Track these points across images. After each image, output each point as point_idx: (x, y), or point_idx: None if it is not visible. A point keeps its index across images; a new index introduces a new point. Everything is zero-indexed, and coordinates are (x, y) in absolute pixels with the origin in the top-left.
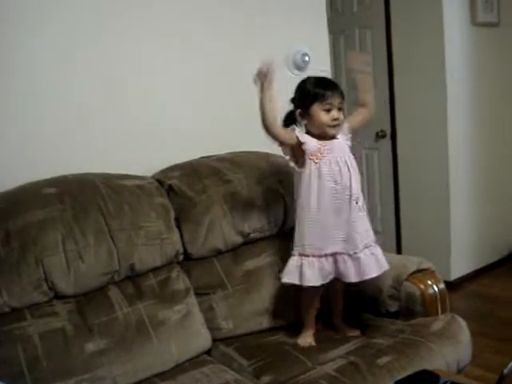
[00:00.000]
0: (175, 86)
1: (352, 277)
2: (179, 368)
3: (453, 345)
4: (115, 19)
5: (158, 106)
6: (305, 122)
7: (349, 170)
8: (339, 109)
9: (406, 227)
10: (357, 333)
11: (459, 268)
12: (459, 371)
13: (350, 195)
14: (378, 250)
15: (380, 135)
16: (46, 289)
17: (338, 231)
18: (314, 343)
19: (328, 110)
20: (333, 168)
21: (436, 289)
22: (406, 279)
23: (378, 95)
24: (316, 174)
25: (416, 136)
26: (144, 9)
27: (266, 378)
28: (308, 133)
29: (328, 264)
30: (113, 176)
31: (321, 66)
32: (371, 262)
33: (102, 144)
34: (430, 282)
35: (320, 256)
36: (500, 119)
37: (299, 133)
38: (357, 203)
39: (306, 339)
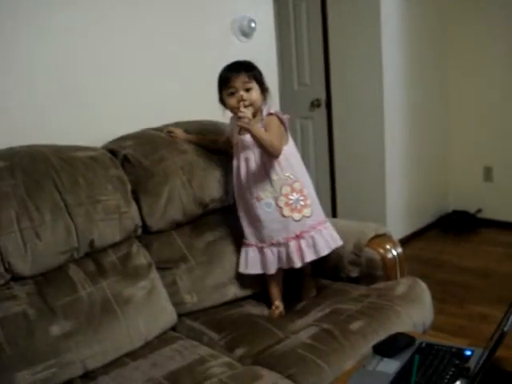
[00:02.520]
0: (122, 57)
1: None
2: (149, 346)
3: (418, 307)
4: None
5: (104, 76)
6: (226, 107)
7: (250, 166)
8: (247, 90)
9: (341, 195)
10: (313, 292)
11: (394, 233)
12: (424, 332)
13: (251, 192)
14: (293, 247)
15: (315, 104)
16: (3, 270)
17: (252, 226)
18: (283, 312)
19: (232, 93)
20: (238, 163)
21: (395, 253)
22: (366, 245)
23: (312, 65)
24: (231, 165)
25: (351, 104)
26: None
27: (239, 351)
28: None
29: (255, 254)
30: (63, 147)
31: (266, 33)
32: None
33: (48, 113)
34: (388, 247)
35: (255, 246)
36: (434, 85)
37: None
38: (259, 200)
39: (275, 311)
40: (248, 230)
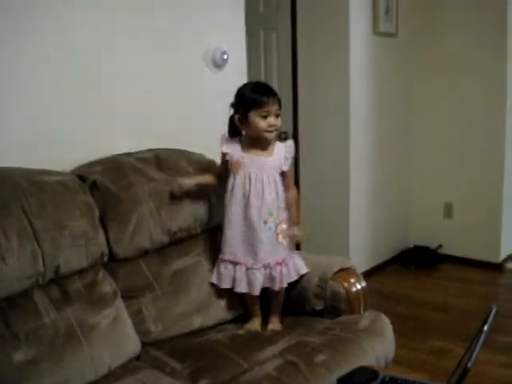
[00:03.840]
0: (93, 81)
1: (242, 288)
2: (112, 375)
3: (381, 340)
4: None
5: (73, 101)
6: (244, 126)
7: (262, 190)
8: (276, 116)
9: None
10: (278, 327)
11: (357, 266)
12: (386, 365)
13: (259, 215)
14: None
15: (282, 137)
16: None
17: (241, 243)
18: (259, 329)
19: (265, 117)
20: (245, 183)
21: (359, 287)
22: (331, 278)
23: (281, 97)
24: (231, 182)
25: (318, 139)
26: None
27: (203, 382)
28: (246, 138)
29: (226, 270)
30: (32, 171)
31: (238, 65)
32: (258, 283)
33: (15, 137)
34: (352, 281)
35: (222, 260)
36: (397, 124)
37: (225, 142)
38: (265, 224)
39: (253, 324)
40: (240, 249)
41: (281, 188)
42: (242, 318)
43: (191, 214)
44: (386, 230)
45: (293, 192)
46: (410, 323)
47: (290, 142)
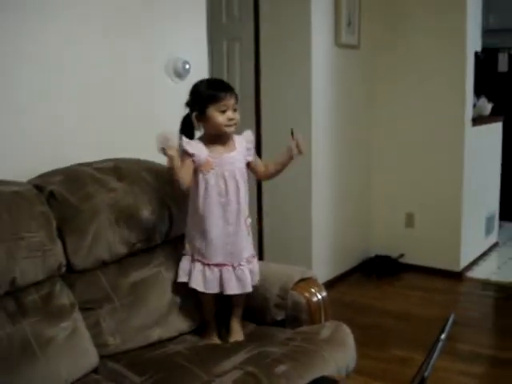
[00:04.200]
0: (52, 88)
1: (233, 289)
2: None
3: (342, 350)
4: None
5: (30, 109)
6: (201, 124)
7: (237, 185)
8: (234, 110)
9: (267, 238)
10: (240, 337)
11: (318, 276)
12: (347, 375)
13: (239, 210)
14: (255, 267)
15: None
16: None
17: (225, 243)
18: (218, 341)
19: (223, 111)
20: (219, 182)
21: (320, 297)
22: (292, 288)
23: (244, 109)
24: (203, 185)
25: (281, 149)
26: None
27: None
28: (205, 136)
29: (213, 274)
30: None
31: (200, 75)
32: (247, 278)
33: None
34: (313, 290)
35: (207, 264)
36: (358, 135)
37: (188, 144)
38: (245, 220)
39: (211, 337)
40: (223, 251)
41: (246, 181)
42: (201, 329)
43: (151, 224)
44: (347, 240)
45: (267, 165)
46: (371, 332)
47: (249, 132)
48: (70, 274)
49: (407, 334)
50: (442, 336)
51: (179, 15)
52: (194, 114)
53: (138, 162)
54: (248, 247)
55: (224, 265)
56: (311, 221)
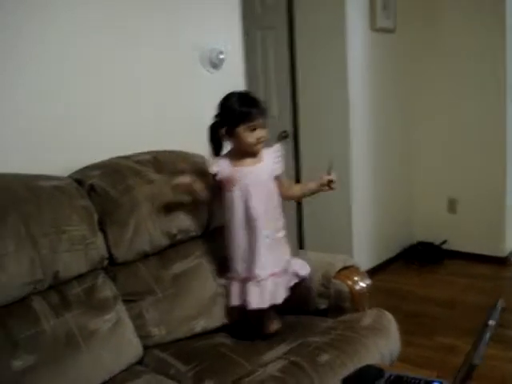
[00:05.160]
0: (90, 83)
1: (253, 303)
2: (114, 381)
3: (385, 338)
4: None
5: (71, 103)
6: (231, 139)
7: (263, 199)
8: (264, 127)
9: (308, 228)
10: (279, 326)
11: (360, 264)
12: (391, 363)
13: (264, 226)
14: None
15: (283, 136)
16: None
17: (244, 257)
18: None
19: (253, 130)
20: (244, 196)
21: (363, 285)
22: (334, 277)
23: (280, 96)
24: (229, 202)
25: (318, 136)
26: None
27: (208, 383)
28: (233, 150)
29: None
30: (28, 176)
31: (235, 65)
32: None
33: (10, 141)
34: (356, 279)
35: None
36: (399, 118)
37: (213, 164)
38: (267, 237)
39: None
40: (247, 265)
41: (276, 194)
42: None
43: (191, 215)
44: (389, 227)
45: (292, 185)
46: (416, 320)
47: (277, 147)
48: (111, 266)
49: (452, 322)
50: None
51: (214, 5)
52: (223, 130)
53: (176, 153)
54: (274, 263)
55: (248, 279)
56: (351, 208)
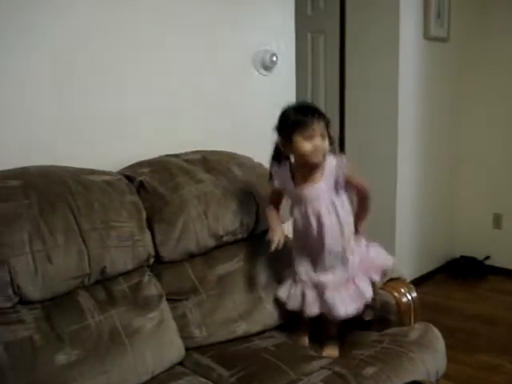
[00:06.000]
0: (140, 81)
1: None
2: (155, 380)
3: (431, 353)
4: None
5: (121, 100)
6: (288, 150)
7: (319, 221)
8: (323, 136)
9: None
10: (335, 353)
11: None
12: (437, 380)
13: (321, 247)
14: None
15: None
16: (11, 293)
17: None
18: (307, 345)
19: (310, 139)
20: (302, 216)
21: (409, 297)
22: (381, 288)
23: (328, 102)
24: (293, 215)
25: (364, 146)
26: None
27: None
28: (295, 163)
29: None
30: (78, 170)
31: (287, 68)
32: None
33: (61, 136)
34: (403, 291)
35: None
36: (446, 131)
37: (275, 174)
38: (330, 254)
39: (301, 340)
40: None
41: (343, 205)
42: (287, 326)
43: (238, 217)
44: (432, 240)
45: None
46: (456, 336)
47: (343, 158)
48: (157, 264)
49: (494, 339)
50: None
51: (267, 7)
52: (280, 141)
53: (225, 154)
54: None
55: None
56: (395, 219)
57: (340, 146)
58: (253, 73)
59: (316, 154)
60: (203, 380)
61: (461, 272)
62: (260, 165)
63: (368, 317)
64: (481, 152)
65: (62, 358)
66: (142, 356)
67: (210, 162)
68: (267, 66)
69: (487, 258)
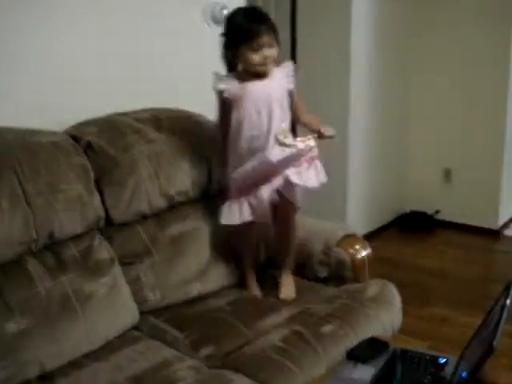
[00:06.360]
0: (89, 37)
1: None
2: (109, 346)
3: (387, 309)
4: None
5: (68, 57)
6: (236, 60)
7: (270, 120)
8: (271, 45)
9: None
10: (292, 294)
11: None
12: (393, 335)
13: (269, 144)
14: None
15: None
16: None
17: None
18: (259, 293)
19: (258, 49)
20: (251, 116)
21: (364, 254)
22: (336, 245)
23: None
24: (236, 121)
25: (316, 102)
26: None
27: (206, 351)
28: (242, 70)
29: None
30: (24, 131)
31: None
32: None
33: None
34: (357, 247)
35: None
36: (396, 88)
37: (219, 80)
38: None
39: (251, 290)
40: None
41: (288, 114)
42: (241, 284)
43: (190, 177)
44: (383, 195)
45: (304, 111)
46: (409, 290)
47: (288, 62)
48: (108, 227)
49: (446, 293)
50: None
51: None
52: (228, 52)
53: (176, 111)
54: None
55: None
56: (347, 174)
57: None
58: (204, 27)
59: (264, 64)
60: (159, 343)
61: (411, 226)
62: (212, 122)
63: (323, 273)
64: (431, 108)
65: (12, 327)
66: (94, 322)
67: (161, 121)
68: (218, 20)
69: (437, 212)
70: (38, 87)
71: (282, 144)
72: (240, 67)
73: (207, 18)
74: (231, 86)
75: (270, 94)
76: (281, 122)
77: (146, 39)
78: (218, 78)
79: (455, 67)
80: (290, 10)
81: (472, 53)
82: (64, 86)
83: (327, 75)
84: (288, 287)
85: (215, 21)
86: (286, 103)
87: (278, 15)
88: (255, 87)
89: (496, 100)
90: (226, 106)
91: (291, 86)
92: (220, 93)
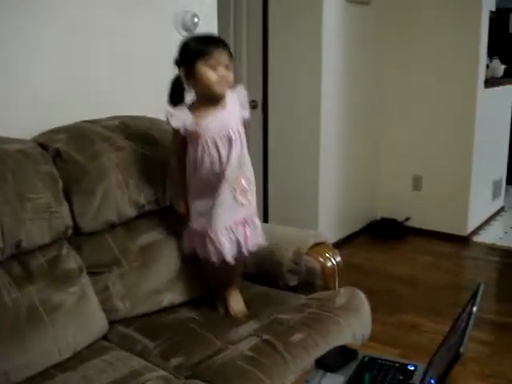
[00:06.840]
0: (54, 44)
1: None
2: (78, 357)
3: (357, 317)
4: None
5: (33, 63)
6: (191, 83)
7: (230, 148)
8: (227, 67)
9: (273, 199)
10: (241, 308)
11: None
12: (363, 343)
13: (232, 177)
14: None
15: (251, 106)
16: None
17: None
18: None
19: (214, 68)
20: (210, 147)
21: (334, 262)
22: (306, 253)
23: (250, 65)
24: (194, 156)
25: (288, 108)
26: None
27: (175, 360)
28: (196, 99)
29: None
30: None
31: (209, 29)
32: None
33: None
34: (328, 255)
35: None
36: (367, 95)
37: (172, 117)
38: (235, 190)
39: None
40: (207, 218)
41: (245, 142)
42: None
43: (160, 185)
44: (353, 202)
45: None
46: (378, 296)
47: (241, 87)
48: (77, 236)
49: (415, 299)
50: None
51: None
52: (182, 71)
53: (145, 119)
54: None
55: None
56: (318, 182)
57: (264, 106)
58: (174, 35)
59: (221, 83)
60: (128, 354)
61: (382, 233)
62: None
63: (292, 282)
64: (402, 115)
65: None
66: (63, 333)
67: (130, 128)
68: (189, 28)
69: (407, 219)
70: (5, 93)
71: (240, 204)
72: (193, 95)
73: (178, 26)
74: (187, 123)
75: (227, 125)
76: (241, 149)
77: (115, 47)
78: (170, 114)
79: (425, 78)
80: (262, 13)
81: (441, 64)
82: (30, 94)
83: (299, 88)
84: (237, 303)
85: (186, 28)
86: (242, 133)
87: (251, 21)
88: (211, 123)
89: (464, 109)
90: (181, 139)
91: (246, 115)
92: (174, 131)
